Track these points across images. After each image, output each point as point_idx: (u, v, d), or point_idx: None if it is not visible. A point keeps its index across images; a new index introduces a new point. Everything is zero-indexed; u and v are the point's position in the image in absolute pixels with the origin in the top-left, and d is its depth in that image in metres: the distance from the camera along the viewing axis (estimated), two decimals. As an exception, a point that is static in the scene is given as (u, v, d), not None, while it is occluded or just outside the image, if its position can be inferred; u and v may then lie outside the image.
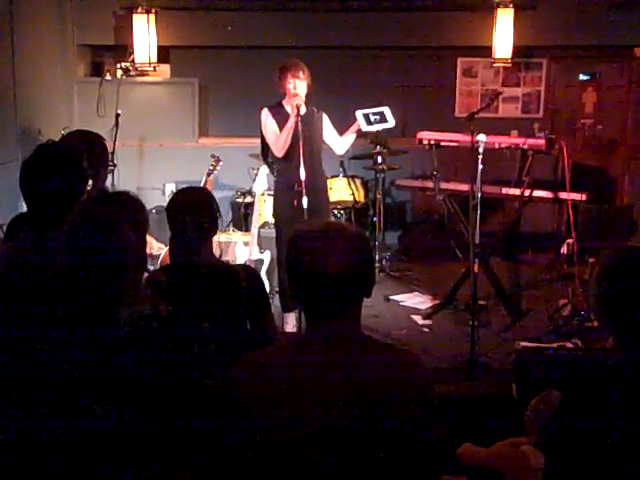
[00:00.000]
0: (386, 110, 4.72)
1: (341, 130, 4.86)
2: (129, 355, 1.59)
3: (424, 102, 7.19)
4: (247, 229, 5.74)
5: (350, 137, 4.85)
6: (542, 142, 5.10)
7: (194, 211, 2.67)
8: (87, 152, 2.88)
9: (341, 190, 6.25)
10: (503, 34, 6.85)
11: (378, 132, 5.22)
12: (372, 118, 4.68)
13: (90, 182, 2.82)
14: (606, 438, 1.60)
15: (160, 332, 1.66)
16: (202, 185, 5.61)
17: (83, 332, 1.62)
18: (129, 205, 2.00)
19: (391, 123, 4.72)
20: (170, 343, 1.65)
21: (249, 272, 2.82)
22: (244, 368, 1.74)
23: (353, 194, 6.26)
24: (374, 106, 4.75)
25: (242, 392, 1.70)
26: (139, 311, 1.69)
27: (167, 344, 1.64)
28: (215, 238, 2.84)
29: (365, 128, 4.70)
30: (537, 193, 5.29)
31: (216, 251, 3.27)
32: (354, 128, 4.76)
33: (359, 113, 4.69)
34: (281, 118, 4.61)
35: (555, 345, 4.07)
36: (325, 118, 4.83)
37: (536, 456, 1.99)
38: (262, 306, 2.78)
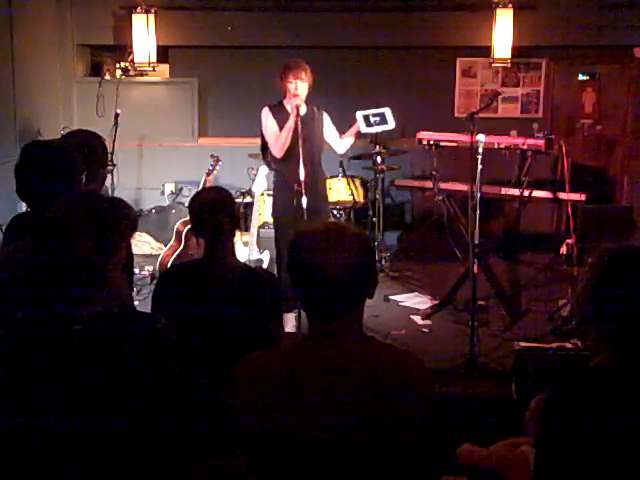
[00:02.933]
0: (387, 111, 4.69)
1: (341, 131, 4.86)
2: (78, 354, 1.64)
3: (423, 102, 7.20)
4: (246, 229, 5.75)
5: (349, 139, 4.84)
6: (541, 142, 5.10)
7: (223, 209, 2.73)
8: (87, 152, 2.88)
9: (340, 190, 6.24)
10: (502, 34, 6.85)
11: (377, 133, 5.21)
12: (372, 120, 4.65)
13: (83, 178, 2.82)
14: (588, 438, 1.60)
15: (108, 329, 1.70)
16: (202, 185, 5.63)
17: (36, 334, 1.67)
18: (94, 210, 2.03)
19: (391, 125, 4.70)
20: (118, 340, 1.69)
21: (270, 277, 2.86)
22: (246, 368, 1.74)
23: (352, 194, 6.25)
24: (373, 106, 4.73)
25: (243, 392, 1.70)
26: (90, 310, 1.73)
27: (114, 341, 1.68)
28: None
29: (364, 130, 4.68)
30: (536, 193, 5.29)
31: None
32: (353, 130, 4.74)
33: (359, 114, 4.67)
34: (282, 117, 4.60)
35: (554, 345, 4.08)
36: (326, 117, 4.81)
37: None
38: (277, 311, 2.80)
